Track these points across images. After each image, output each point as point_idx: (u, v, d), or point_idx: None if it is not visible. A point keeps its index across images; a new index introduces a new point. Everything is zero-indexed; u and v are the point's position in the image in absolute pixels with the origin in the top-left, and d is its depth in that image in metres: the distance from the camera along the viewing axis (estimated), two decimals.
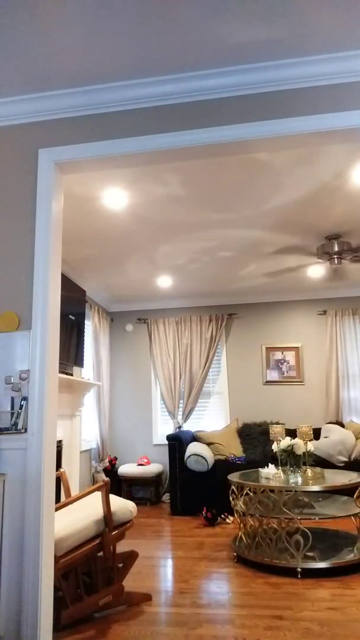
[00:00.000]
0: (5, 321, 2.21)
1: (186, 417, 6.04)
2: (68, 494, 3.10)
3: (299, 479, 3.60)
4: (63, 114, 2.36)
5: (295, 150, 2.79)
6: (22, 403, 2.14)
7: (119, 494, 5.66)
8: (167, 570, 3.43)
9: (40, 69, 2.16)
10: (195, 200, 3.49)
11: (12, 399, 2.16)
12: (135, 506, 2.96)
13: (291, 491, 3.41)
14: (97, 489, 2.70)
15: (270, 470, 3.76)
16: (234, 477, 3.85)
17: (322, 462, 4.96)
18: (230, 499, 3.75)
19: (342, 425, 5.46)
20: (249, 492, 3.70)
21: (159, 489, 5.82)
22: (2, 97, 2.34)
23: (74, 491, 4.48)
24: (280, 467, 3.78)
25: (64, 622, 2.46)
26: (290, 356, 6.14)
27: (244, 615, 2.57)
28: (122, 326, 6.53)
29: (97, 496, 2.81)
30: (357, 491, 3.48)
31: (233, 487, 3.76)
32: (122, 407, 6.32)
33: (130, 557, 2.94)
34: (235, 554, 3.54)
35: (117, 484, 5.66)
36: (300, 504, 3.60)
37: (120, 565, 2.89)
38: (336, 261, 4.26)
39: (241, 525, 3.71)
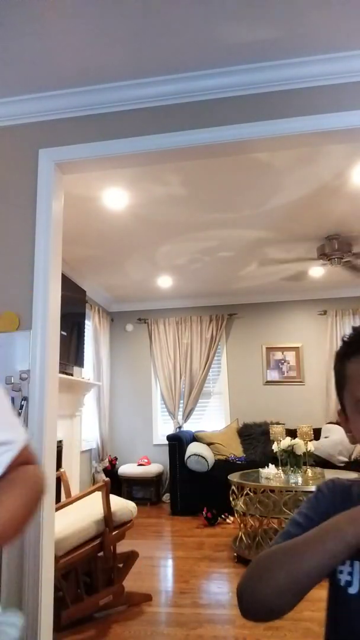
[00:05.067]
0: (5, 321, 2.20)
1: (186, 417, 6.04)
2: (68, 494, 3.10)
3: (299, 479, 3.60)
4: (63, 114, 2.36)
5: (295, 150, 2.79)
6: (22, 403, 2.14)
7: (119, 494, 5.66)
8: (167, 570, 3.43)
9: (41, 69, 2.16)
10: (195, 200, 3.49)
11: (12, 399, 2.16)
12: (135, 506, 2.95)
13: (291, 491, 3.41)
14: (97, 489, 2.70)
15: (270, 471, 3.76)
16: (234, 477, 3.85)
17: (322, 462, 4.95)
18: (231, 499, 3.75)
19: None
20: (249, 492, 3.69)
21: (159, 489, 5.82)
22: (2, 97, 2.34)
23: (74, 491, 4.48)
24: (280, 467, 3.78)
25: (64, 622, 2.46)
26: (290, 356, 6.14)
27: None
28: (122, 326, 6.53)
29: (97, 496, 2.81)
30: None
31: (233, 487, 3.76)
32: (122, 407, 6.32)
33: (131, 557, 2.94)
34: (235, 554, 3.54)
35: (117, 484, 5.65)
36: (301, 504, 3.60)
37: (121, 565, 2.89)
38: (336, 261, 4.25)
39: (241, 525, 3.71)
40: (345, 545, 0.62)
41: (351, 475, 3.75)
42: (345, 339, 0.79)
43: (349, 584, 0.69)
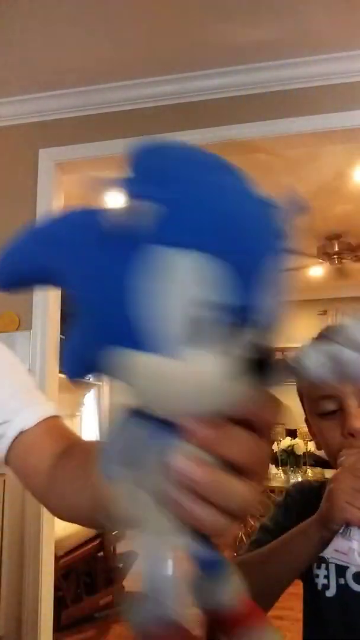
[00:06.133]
0: (5, 321, 2.20)
1: None
2: None
3: (299, 479, 3.60)
4: (63, 114, 2.36)
5: (295, 150, 2.79)
6: None
7: None
8: None
9: (41, 69, 2.16)
10: None
11: None
12: None
13: None
14: None
15: (270, 470, 3.76)
16: None
17: (322, 462, 4.95)
18: None
19: None
20: None
21: None
22: (2, 97, 2.33)
23: None
24: (280, 467, 3.78)
25: (64, 622, 2.46)
26: None
27: None
28: None
29: None
30: None
31: None
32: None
33: (131, 557, 2.94)
34: (235, 554, 3.54)
35: None
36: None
37: (121, 565, 2.89)
38: (336, 261, 4.26)
39: (241, 525, 3.71)
40: (312, 546, 0.64)
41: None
42: None
43: (326, 587, 0.69)
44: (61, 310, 2.36)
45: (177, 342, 0.26)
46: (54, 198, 2.31)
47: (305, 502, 0.78)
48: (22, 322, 2.19)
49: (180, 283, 0.25)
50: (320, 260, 4.48)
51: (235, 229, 0.26)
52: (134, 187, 0.28)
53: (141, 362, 0.27)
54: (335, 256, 4.24)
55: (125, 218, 0.27)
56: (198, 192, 0.27)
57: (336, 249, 4.20)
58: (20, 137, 2.39)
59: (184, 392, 0.27)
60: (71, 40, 2.00)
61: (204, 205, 0.26)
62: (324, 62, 2.12)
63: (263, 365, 0.27)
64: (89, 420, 5.61)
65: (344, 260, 4.31)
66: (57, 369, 2.30)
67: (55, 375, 2.25)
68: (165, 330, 0.26)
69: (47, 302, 2.20)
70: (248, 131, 2.19)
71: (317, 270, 5.16)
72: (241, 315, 0.26)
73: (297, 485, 0.84)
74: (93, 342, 0.28)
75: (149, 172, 0.29)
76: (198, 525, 0.28)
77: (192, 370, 0.26)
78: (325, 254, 4.28)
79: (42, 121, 2.38)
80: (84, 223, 0.29)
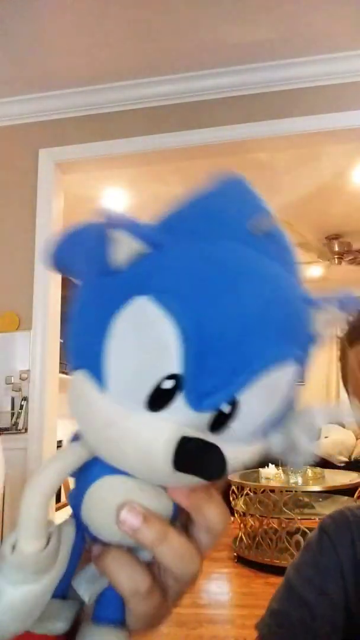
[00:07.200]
0: (5, 321, 2.20)
1: None
2: None
3: (299, 479, 3.60)
4: (63, 114, 2.36)
5: (295, 150, 2.79)
6: (22, 403, 2.14)
7: None
8: None
9: (41, 69, 2.16)
10: None
11: (12, 399, 2.16)
12: None
13: (291, 491, 3.41)
14: None
15: (270, 470, 3.76)
16: (234, 477, 3.84)
17: (322, 462, 4.95)
18: (230, 499, 3.75)
19: (342, 425, 5.46)
20: (249, 492, 3.69)
21: None
22: (2, 97, 2.34)
23: None
24: (280, 467, 3.78)
25: None
26: None
27: (244, 615, 2.58)
28: None
29: None
30: (358, 491, 3.47)
31: (233, 487, 3.75)
32: None
33: None
34: (235, 554, 3.54)
35: None
36: (301, 504, 3.60)
37: None
38: (336, 261, 4.26)
39: (241, 525, 3.71)
40: None
41: (352, 475, 3.75)
42: (351, 319, 0.61)
43: None
44: (61, 311, 2.36)
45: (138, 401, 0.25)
46: (54, 198, 2.31)
47: (351, 541, 0.63)
48: (22, 322, 2.19)
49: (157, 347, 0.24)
50: (320, 260, 4.48)
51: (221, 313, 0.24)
52: (151, 233, 0.27)
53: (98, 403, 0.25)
54: (335, 256, 4.24)
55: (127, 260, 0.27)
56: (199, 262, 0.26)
57: (336, 249, 4.20)
58: (20, 137, 2.39)
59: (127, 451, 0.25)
60: (71, 40, 2.00)
61: (195, 274, 0.25)
62: (324, 62, 2.13)
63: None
64: None
65: (345, 260, 4.31)
66: (57, 369, 2.31)
67: (55, 375, 2.25)
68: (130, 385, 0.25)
69: (47, 302, 2.20)
70: (248, 131, 2.19)
71: (317, 270, 5.16)
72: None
73: (336, 517, 0.65)
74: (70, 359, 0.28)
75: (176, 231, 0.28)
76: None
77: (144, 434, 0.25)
78: (325, 254, 4.28)
79: (42, 121, 2.38)
80: (94, 249, 0.29)
